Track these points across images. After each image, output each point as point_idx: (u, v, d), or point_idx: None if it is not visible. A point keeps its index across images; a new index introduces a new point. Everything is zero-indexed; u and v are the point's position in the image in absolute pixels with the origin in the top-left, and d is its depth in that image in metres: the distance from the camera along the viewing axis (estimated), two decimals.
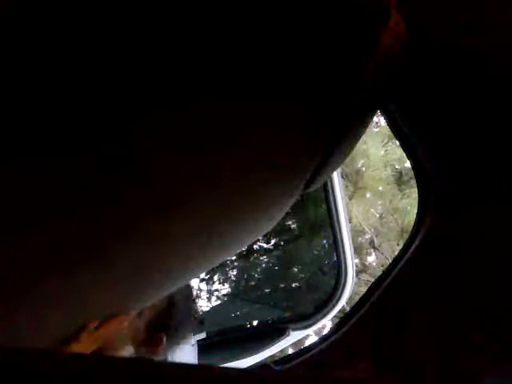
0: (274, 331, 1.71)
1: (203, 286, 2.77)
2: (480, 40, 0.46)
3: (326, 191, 1.85)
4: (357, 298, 0.83)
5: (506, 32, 0.44)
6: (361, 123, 0.56)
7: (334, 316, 1.88)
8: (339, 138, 0.50)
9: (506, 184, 0.60)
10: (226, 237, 0.53)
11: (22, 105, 0.24)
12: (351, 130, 0.53)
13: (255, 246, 2.64)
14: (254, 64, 0.31)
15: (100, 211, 0.32)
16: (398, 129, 0.71)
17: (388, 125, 0.74)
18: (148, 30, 0.24)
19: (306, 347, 0.81)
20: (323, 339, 0.78)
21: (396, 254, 0.82)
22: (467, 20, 0.45)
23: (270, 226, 0.63)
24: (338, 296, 1.79)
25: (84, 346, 0.52)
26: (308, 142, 0.45)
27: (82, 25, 0.22)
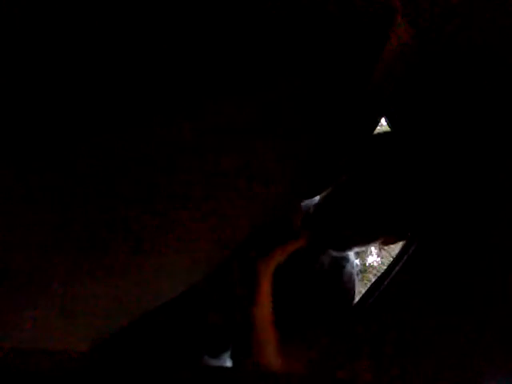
0: None
1: None
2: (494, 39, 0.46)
3: None
4: (357, 298, 0.83)
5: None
6: (366, 131, 0.56)
7: None
8: (346, 149, 0.50)
9: (505, 184, 0.60)
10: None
11: (28, 106, 0.24)
12: (357, 138, 0.53)
13: None
14: (259, 71, 0.31)
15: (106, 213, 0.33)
16: (397, 128, 0.71)
17: (388, 125, 0.74)
18: (153, 34, 0.25)
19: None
20: None
21: (396, 252, 0.82)
22: (481, 19, 0.44)
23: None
24: None
25: None
26: (306, 155, 0.45)
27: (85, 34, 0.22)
